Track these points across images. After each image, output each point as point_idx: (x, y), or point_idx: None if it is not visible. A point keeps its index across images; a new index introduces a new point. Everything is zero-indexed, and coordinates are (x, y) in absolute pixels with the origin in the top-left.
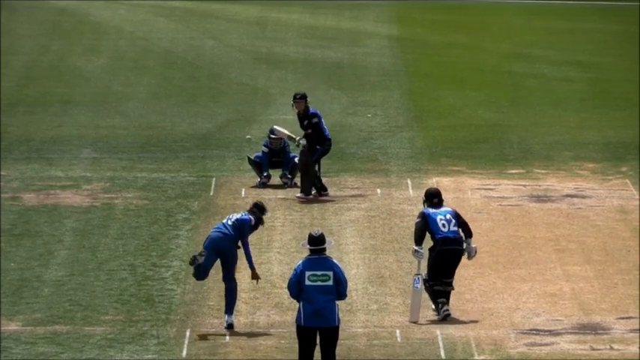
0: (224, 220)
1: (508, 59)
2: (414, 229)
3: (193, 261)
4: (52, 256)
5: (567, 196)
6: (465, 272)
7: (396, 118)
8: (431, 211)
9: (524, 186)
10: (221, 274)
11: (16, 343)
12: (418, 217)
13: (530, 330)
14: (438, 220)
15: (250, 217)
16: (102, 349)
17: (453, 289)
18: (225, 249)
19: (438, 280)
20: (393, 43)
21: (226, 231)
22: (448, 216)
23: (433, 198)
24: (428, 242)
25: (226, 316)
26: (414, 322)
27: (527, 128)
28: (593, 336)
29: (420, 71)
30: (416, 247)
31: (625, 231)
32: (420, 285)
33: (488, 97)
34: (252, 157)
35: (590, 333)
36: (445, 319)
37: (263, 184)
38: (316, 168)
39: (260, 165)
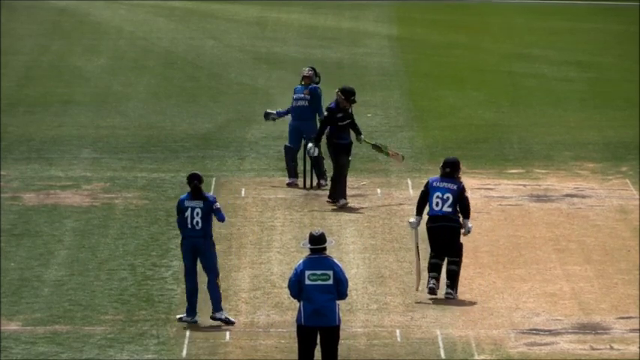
0: (187, 216)
1: (508, 59)
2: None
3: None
4: (52, 256)
5: (567, 195)
6: (464, 272)
7: (396, 118)
8: (435, 183)
9: (524, 186)
10: (220, 275)
11: (16, 342)
12: (425, 185)
13: (530, 330)
14: (435, 197)
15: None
16: (102, 348)
17: (455, 270)
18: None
19: (434, 253)
20: (393, 43)
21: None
22: (447, 195)
23: (445, 167)
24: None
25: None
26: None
27: (527, 128)
28: (593, 336)
29: (420, 71)
30: (411, 219)
31: (625, 231)
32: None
33: (488, 97)
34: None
35: (590, 333)
36: (429, 293)
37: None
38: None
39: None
